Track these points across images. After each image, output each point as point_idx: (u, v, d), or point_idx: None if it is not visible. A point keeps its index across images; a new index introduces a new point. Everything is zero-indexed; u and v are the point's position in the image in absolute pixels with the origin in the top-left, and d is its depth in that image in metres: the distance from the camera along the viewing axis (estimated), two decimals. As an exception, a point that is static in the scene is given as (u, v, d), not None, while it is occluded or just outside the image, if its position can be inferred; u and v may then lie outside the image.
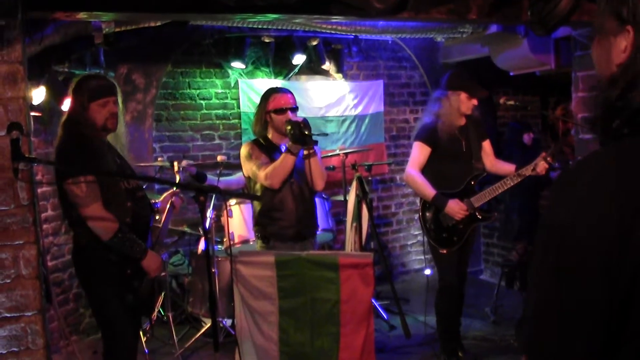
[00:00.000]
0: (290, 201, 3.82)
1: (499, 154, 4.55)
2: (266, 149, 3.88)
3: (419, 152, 4.17)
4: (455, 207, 4.06)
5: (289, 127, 3.64)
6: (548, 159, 3.96)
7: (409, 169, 4.19)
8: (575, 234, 0.96)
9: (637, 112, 1.00)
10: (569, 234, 0.97)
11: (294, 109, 3.85)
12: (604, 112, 1.05)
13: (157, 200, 3.64)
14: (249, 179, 3.93)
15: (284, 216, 3.82)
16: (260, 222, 3.91)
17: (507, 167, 4.25)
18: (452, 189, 4.14)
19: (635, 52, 1.02)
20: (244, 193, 4.08)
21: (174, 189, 3.61)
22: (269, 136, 3.93)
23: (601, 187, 0.96)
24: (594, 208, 0.95)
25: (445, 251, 4.18)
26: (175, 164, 4.01)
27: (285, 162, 3.68)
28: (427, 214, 4.22)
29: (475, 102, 4.14)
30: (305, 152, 3.78)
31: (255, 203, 3.97)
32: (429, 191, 4.10)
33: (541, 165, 3.97)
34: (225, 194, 3.60)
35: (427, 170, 4.16)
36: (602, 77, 1.07)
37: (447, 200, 4.07)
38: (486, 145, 4.36)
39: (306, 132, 3.60)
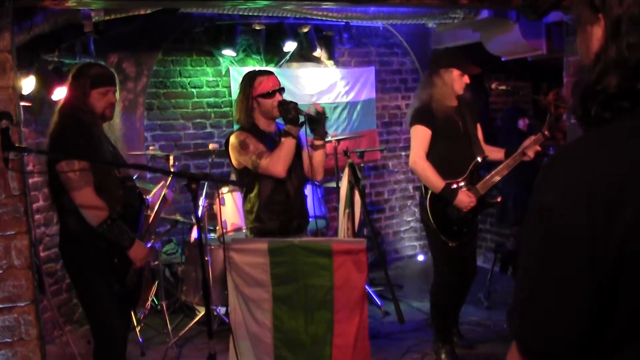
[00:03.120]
0: (292, 194, 3.66)
1: (494, 140, 4.50)
2: (260, 138, 3.63)
3: (421, 136, 3.95)
4: (466, 199, 3.88)
5: (282, 109, 3.56)
6: (541, 138, 3.89)
7: (416, 157, 3.95)
8: (560, 215, 0.97)
9: (614, 97, 1.01)
10: (553, 216, 0.98)
11: (282, 89, 3.67)
12: (582, 99, 1.06)
13: (148, 197, 3.62)
14: (242, 170, 3.67)
15: (287, 209, 3.66)
16: (261, 218, 3.65)
17: (495, 153, 4.13)
18: (456, 176, 3.95)
19: (607, 40, 1.03)
20: (237, 181, 3.98)
21: (168, 180, 3.60)
22: (259, 123, 3.67)
23: (585, 169, 0.98)
24: (577, 190, 0.97)
25: (455, 244, 4.00)
26: (171, 158, 3.97)
27: (289, 146, 3.51)
28: (437, 208, 3.98)
29: (467, 79, 3.95)
30: (317, 143, 3.67)
31: (252, 198, 3.69)
32: (439, 183, 3.89)
33: (532, 149, 3.91)
34: (217, 182, 3.58)
35: (429, 156, 3.95)
36: (584, 66, 1.09)
37: (457, 192, 3.89)
38: (478, 128, 4.20)
39: (300, 114, 3.52)
